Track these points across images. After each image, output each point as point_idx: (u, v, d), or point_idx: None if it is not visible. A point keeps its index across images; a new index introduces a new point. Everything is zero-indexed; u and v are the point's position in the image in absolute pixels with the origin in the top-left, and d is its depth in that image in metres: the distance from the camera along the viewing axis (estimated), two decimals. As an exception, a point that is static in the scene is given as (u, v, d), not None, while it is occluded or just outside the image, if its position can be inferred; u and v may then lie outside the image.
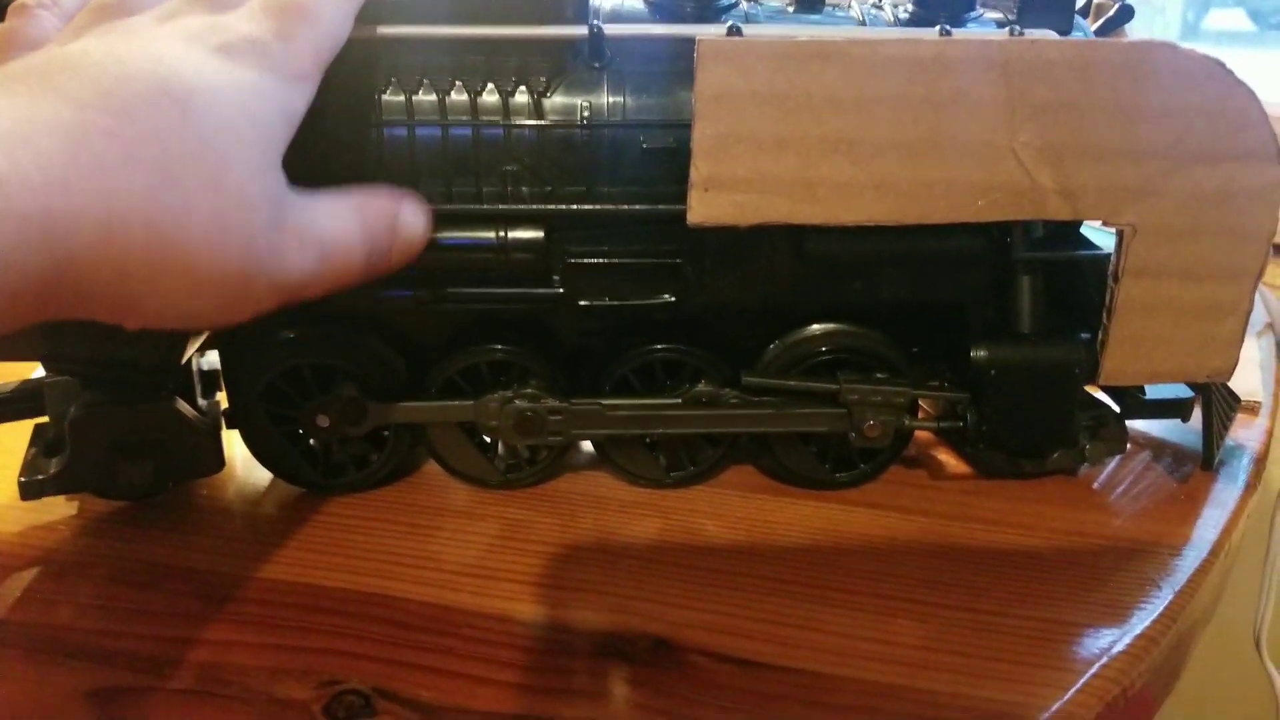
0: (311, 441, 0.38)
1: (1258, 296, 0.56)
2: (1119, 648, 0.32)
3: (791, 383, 0.37)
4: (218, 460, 0.38)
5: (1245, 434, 0.45)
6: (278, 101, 0.28)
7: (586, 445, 0.42)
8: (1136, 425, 0.44)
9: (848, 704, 0.29)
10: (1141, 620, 0.33)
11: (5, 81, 0.24)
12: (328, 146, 0.33)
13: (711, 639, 0.32)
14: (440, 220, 0.34)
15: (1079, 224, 0.38)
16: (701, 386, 0.37)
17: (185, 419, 0.37)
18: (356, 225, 0.30)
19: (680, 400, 0.38)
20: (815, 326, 0.38)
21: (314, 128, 0.30)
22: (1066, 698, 0.30)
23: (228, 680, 0.30)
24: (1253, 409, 0.47)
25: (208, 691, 0.30)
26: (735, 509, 0.39)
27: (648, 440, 0.39)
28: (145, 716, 0.29)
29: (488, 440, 0.39)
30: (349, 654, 0.31)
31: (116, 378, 0.36)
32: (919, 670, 0.31)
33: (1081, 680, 0.30)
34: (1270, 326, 0.56)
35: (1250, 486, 0.41)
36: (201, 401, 0.40)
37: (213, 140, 0.26)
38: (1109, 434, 0.40)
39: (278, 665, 0.31)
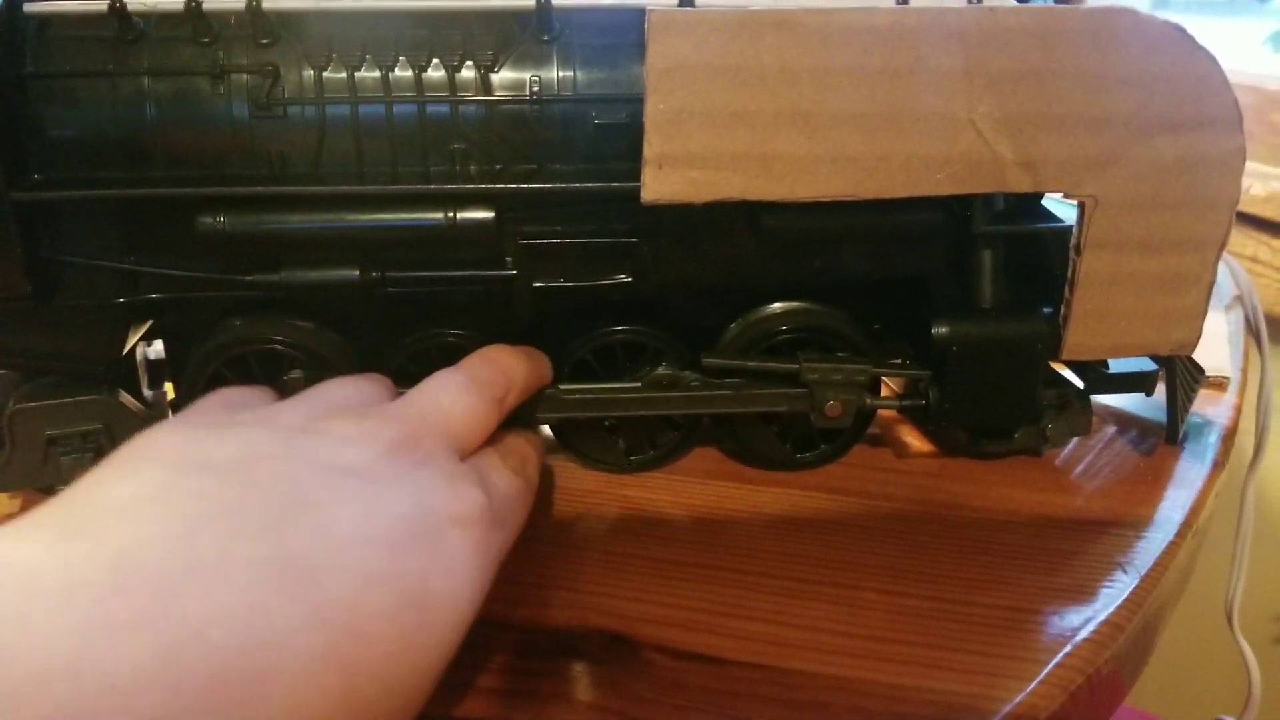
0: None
1: (1227, 269, 0.57)
2: (1083, 635, 0.31)
3: (751, 363, 0.37)
4: None
5: (1214, 410, 0.45)
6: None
7: (545, 430, 0.41)
8: (1101, 401, 0.43)
9: (809, 700, 0.29)
10: (1107, 606, 0.32)
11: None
12: (270, 127, 0.32)
13: (669, 634, 0.31)
14: (386, 201, 0.33)
15: (1040, 196, 0.38)
16: (661, 369, 0.37)
17: (128, 411, 0.35)
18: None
19: (640, 383, 0.37)
20: (775, 305, 0.37)
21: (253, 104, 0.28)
22: (1030, 689, 0.29)
23: None
24: (1220, 385, 0.47)
25: None
26: (695, 496, 0.38)
27: (607, 424, 0.39)
28: None
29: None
30: None
31: (57, 369, 0.35)
32: (881, 663, 0.30)
33: (1045, 670, 0.30)
34: (1239, 299, 0.56)
35: (1218, 464, 0.41)
36: (147, 392, 0.38)
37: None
38: (1072, 414, 0.39)
39: None
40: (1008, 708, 0.28)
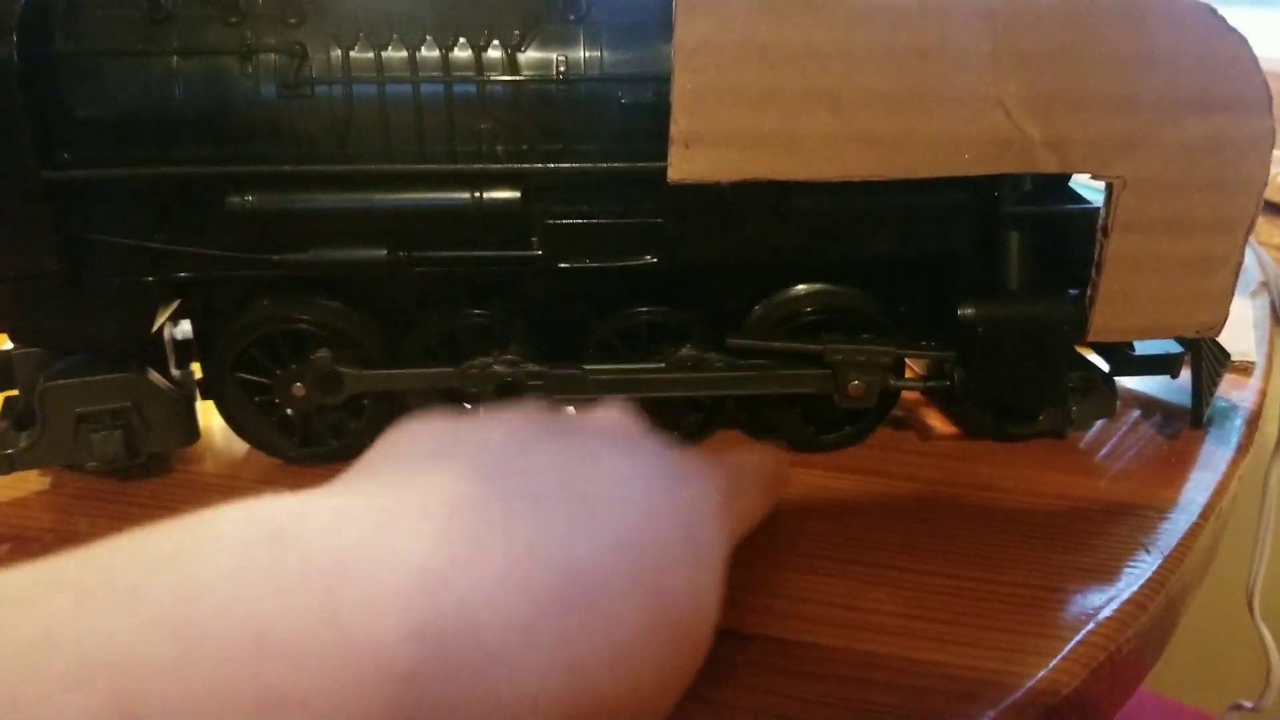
0: (288, 411, 0.38)
1: (1253, 256, 0.56)
2: (1106, 613, 0.31)
3: (775, 344, 0.37)
4: (191, 431, 0.37)
5: (1238, 394, 0.45)
6: None
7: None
8: (1126, 384, 0.43)
9: (825, 673, 0.29)
10: (1129, 585, 0.32)
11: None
12: (298, 106, 0.32)
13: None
14: (413, 180, 0.33)
15: (1068, 177, 0.37)
16: (686, 350, 0.37)
17: (156, 389, 0.36)
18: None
19: (664, 364, 0.37)
20: (800, 287, 0.37)
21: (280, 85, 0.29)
22: (1052, 665, 0.29)
23: None
24: (1246, 369, 0.46)
25: None
26: (720, 474, 0.38)
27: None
28: None
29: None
30: None
31: (87, 348, 0.35)
32: (900, 638, 0.30)
33: (1068, 647, 0.30)
34: (1265, 285, 0.55)
35: (1242, 448, 0.41)
36: (175, 371, 0.39)
37: None
38: (1097, 396, 0.39)
39: None
40: (1030, 683, 0.28)
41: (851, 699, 0.28)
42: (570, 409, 0.32)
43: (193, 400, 0.38)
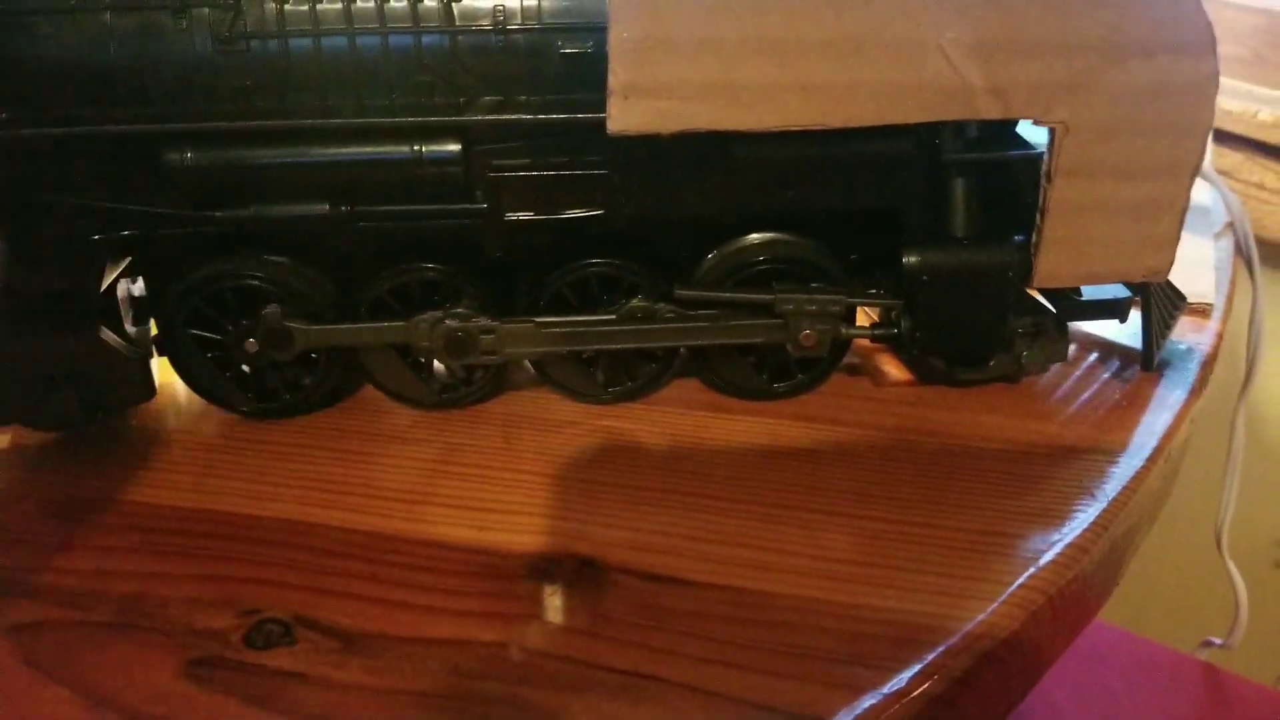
0: (244, 367, 0.38)
1: (1219, 197, 0.56)
2: (1047, 557, 0.31)
3: (725, 294, 0.37)
4: (147, 389, 0.38)
5: (1196, 337, 0.45)
6: None
7: (526, 363, 0.42)
8: (1081, 328, 0.43)
9: (775, 619, 0.30)
10: (1073, 529, 0.33)
11: None
12: (233, 61, 0.32)
13: (638, 557, 0.32)
14: (353, 135, 0.33)
15: (1012, 124, 0.37)
16: (636, 301, 0.37)
17: (109, 348, 0.36)
18: None
19: (615, 316, 0.37)
20: (750, 237, 0.37)
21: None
22: (990, 609, 0.30)
23: (148, 612, 0.30)
24: (1204, 311, 0.46)
25: (128, 624, 0.30)
26: (672, 426, 0.39)
27: (584, 356, 0.39)
28: (67, 650, 0.29)
29: (423, 361, 0.39)
30: (272, 583, 0.31)
31: (35, 309, 0.36)
32: (844, 584, 0.31)
33: (1007, 591, 0.30)
34: (1230, 226, 0.55)
35: (1195, 391, 0.41)
36: (131, 329, 0.39)
37: None
38: (1048, 341, 0.40)
39: (199, 596, 0.31)
40: (968, 627, 0.29)
41: (791, 644, 0.29)
42: None
43: (148, 358, 0.38)
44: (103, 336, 0.36)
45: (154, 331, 0.39)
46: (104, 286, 0.36)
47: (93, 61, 0.32)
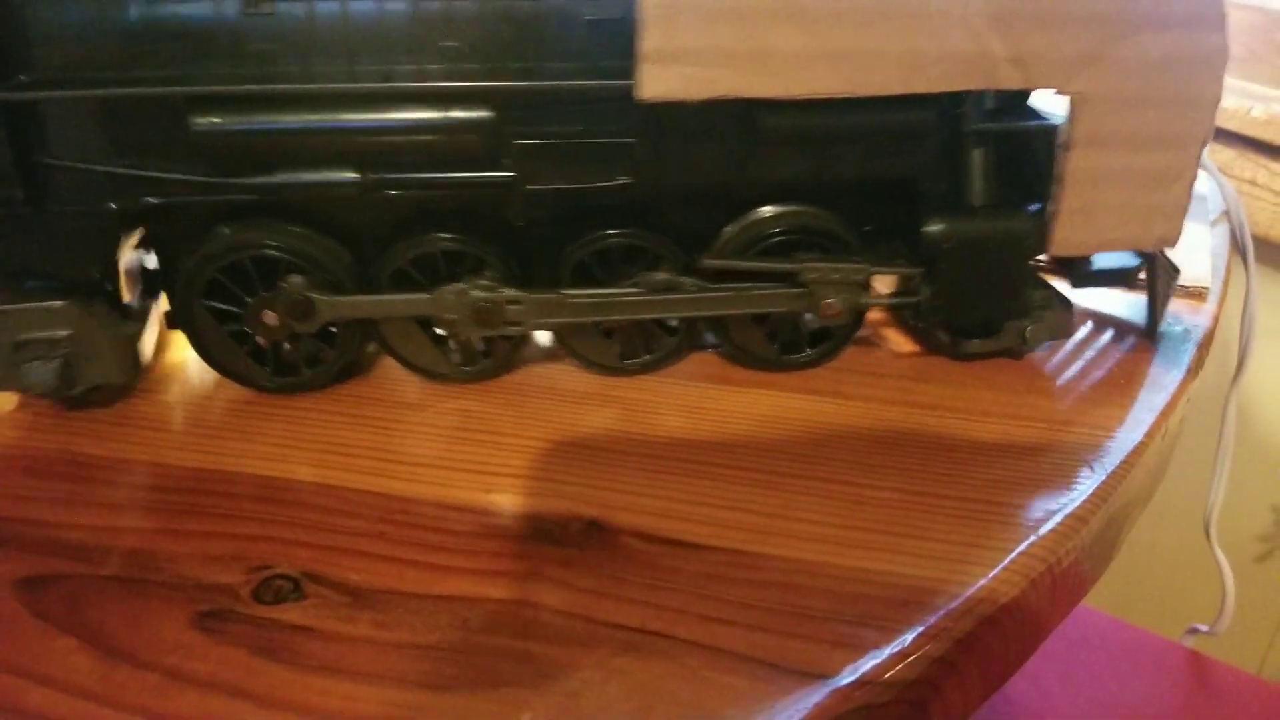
0: (260, 340, 0.37)
1: (1215, 185, 0.57)
2: (1047, 527, 0.32)
3: (750, 263, 0.37)
4: (132, 366, 0.37)
5: (1192, 319, 0.46)
6: None
7: (541, 338, 0.42)
8: (1081, 305, 0.44)
9: (773, 580, 0.30)
10: (1072, 501, 0.33)
11: None
12: (260, 24, 0.32)
13: (644, 520, 0.32)
14: (381, 100, 0.33)
15: (1029, 94, 0.38)
16: (661, 272, 0.37)
17: (98, 320, 0.35)
18: None
19: (640, 286, 0.37)
20: (770, 208, 0.37)
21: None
22: (992, 575, 0.30)
23: (158, 567, 0.30)
24: (1200, 294, 0.48)
25: (137, 578, 0.29)
26: (683, 398, 0.39)
27: (602, 328, 0.39)
28: (75, 602, 0.28)
29: (440, 333, 0.39)
30: (282, 540, 0.31)
31: (45, 278, 0.35)
32: (846, 548, 0.31)
33: (1008, 558, 0.30)
34: (1226, 215, 0.57)
35: (1191, 371, 0.42)
36: (136, 302, 0.38)
37: None
38: (1053, 317, 0.40)
39: (208, 552, 0.30)
40: (970, 591, 0.29)
41: (796, 604, 0.29)
42: None
43: (137, 335, 0.37)
44: (94, 308, 0.35)
45: (164, 305, 0.39)
46: (117, 256, 0.35)
47: (115, 23, 0.31)
